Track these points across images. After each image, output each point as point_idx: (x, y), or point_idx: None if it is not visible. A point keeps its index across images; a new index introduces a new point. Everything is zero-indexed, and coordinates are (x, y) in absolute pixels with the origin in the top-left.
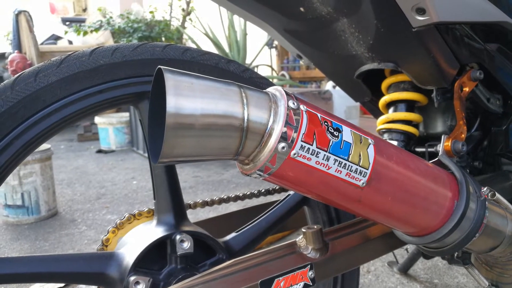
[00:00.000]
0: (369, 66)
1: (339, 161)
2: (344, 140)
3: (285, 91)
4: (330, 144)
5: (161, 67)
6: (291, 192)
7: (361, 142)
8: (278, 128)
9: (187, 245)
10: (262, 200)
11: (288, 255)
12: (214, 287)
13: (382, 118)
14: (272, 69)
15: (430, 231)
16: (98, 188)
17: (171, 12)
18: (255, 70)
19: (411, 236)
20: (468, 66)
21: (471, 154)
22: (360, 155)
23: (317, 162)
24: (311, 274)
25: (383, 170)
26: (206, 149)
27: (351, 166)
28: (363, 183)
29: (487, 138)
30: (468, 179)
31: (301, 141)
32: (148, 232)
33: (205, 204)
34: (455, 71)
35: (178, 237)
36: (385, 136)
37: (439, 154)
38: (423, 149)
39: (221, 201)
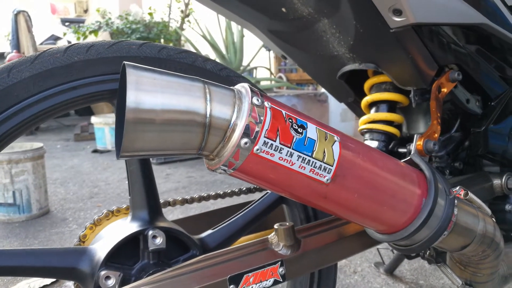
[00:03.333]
0: (350, 67)
1: (303, 157)
2: (308, 137)
3: (250, 88)
4: (294, 140)
5: (126, 62)
6: (268, 192)
7: (326, 139)
8: (241, 124)
9: (159, 240)
10: (244, 198)
11: (259, 252)
12: (182, 282)
13: (363, 118)
14: (270, 71)
15: (399, 229)
16: (92, 187)
17: (169, 13)
18: (254, 72)
19: (381, 234)
20: (447, 67)
21: (451, 155)
22: (324, 152)
23: (281, 158)
24: (282, 271)
25: (349, 167)
26: (168, 144)
27: (315, 163)
28: (327, 180)
29: (468, 139)
30: (437, 177)
31: (264, 137)
32: (122, 228)
33: (184, 201)
34: (434, 72)
35: (150, 232)
36: (367, 136)
37: (411, 153)
38: (406, 150)
39: (200, 199)
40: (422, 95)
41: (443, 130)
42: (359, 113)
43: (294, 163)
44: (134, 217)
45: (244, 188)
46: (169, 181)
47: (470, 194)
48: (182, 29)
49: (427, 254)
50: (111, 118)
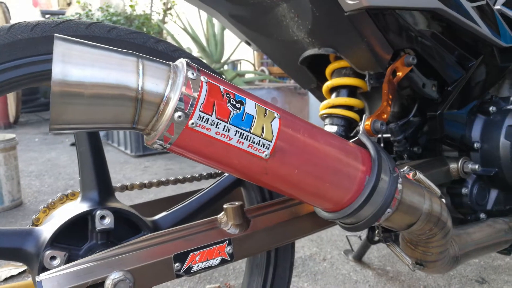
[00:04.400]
0: (310, 52)
1: (241, 132)
2: (246, 112)
3: (187, 63)
4: (231, 115)
5: (56, 35)
6: (226, 174)
7: (265, 115)
8: (175, 97)
9: (107, 221)
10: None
11: (207, 231)
12: (126, 260)
13: (323, 103)
14: (252, 64)
15: (344, 206)
16: (67, 180)
17: (151, 6)
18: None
19: (327, 212)
20: (403, 51)
21: (409, 139)
22: (263, 128)
23: (217, 133)
24: (229, 250)
25: (288, 143)
26: (98, 118)
27: (253, 138)
28: (266, 155)
29: (426, 124)
30: (382, 156)
31: (199, 111)
32: (70, 209)
33: (142, 186)
34: (389, 56)
35: (98, 213)
36: (327, 121)
37: (360, 132)
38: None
39: (159, 183)
40: (378, 78)
41: (401, 114)
42: (323, 99)
43: (232, 138)
44: (83, 198)
45: (204, 174)
46: (147, 173)
47: (419, 174)
48: (164, 22)
49: (377, 233)
50: None
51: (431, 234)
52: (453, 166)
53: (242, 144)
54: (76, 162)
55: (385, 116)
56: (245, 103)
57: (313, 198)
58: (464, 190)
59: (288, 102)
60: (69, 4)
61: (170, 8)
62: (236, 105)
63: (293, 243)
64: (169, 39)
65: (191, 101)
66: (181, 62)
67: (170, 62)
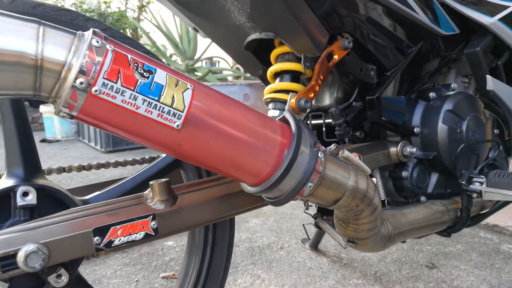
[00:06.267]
0: (252, 36)
1: (149, 101)
2: (155, 82)
3: (94, 31)
4: (138, 84)
5: None
6: (163, 155)
7: (176, 86)
8: (77, 64)
9: (30, 197)
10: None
11: (132, 206)
12: (43, 233)
13: (267, 88)
14: (227, 62)
15: (264, 179)
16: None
17: (126, 3)
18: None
19: (250, 186)
20: (341, 35)
21: (351, 123)
22: (174, 98)
23: (124, 101)
24: (154, 225)
25: (202, 114)
26: None
27: (163, 108)
28: (178, 126)
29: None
30: (303, 131)
31: (103, 78)
32: None
33: (81, 168)
34: (326, 40)
35: (20, 189)
36: (270, 105)
37: (285, 110)
38: (321, 121)
39: (99, 166)
40: (314, 62)
41: (344, 99)
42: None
43: (140, 106)
44: (8, 175)
45: (147, 157)
46: (116, 168)
47: (346, 152)
48: (140, 20)
49: (305, 208)
50: None
51: (358, 211)
52: (393, 149)
53: (151, 114)
54: (44, 158)
55: (312, 95)
56: (155, 73)
57: (233, 171)
58: (405, 174)
59: (260, 98)
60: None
61: (144, 6)
62: (144, 74)
63: (233, 222)
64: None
65: (93, 68)
66: (88, 31)
67: (76, 31)
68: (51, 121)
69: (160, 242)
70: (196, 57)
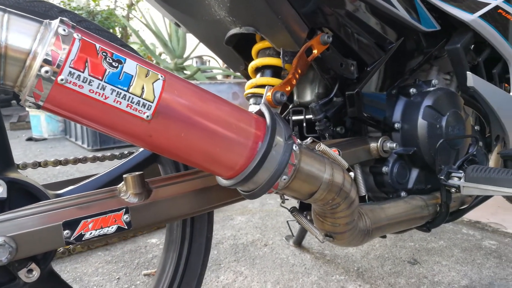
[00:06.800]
0: (233, 31)
1: (118, 91)
2: (124, 72)
3: (61, 20)
4: (106, 73)
5: None
6: (141, 149)
7: (146, 76)
8: (42, 52)
9: (0, 190)
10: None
11: (105, 199)
12: (10, 226)
13: (248, 83)
14: (216, 61)
15: (238, 172)
16: None
17: (115, 1)
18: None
19: (225, 179)
20: (321, 30)
21: (332, 119)
22: (143, 88)
23: (91, 91)
24: (127, 218)
25: (173, 105)
26: None
27: (132, 98)
28: (148, 116)
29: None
30: (278, 124)
31: (70, 67)
32: None
33: (57, 163)
34: (305, 34)
35: None
36: (251, 100)
37: (261, 103)
38: (302, 117)
39: (76, 161)
40: (293, 56)
41: (325, 95)
42: None
43: (108, 97)
44: None
45: (126, 152)
46: (102, 166)
47: (323, 146)
48: (129, 18)
49: (282, 201)
50: None
51: (335, 204)
52: (373, 145)
53: (120, 104)
54: (29, 156)
55: (288, 89)
56: (124, 63)
57: (206, 164)
58: (385, 169)
59: None
60: None
61: (134, 4)
62: (113, 63)
63: (211, 218)
64: (133, 36)
65: (59, 56)
66: (58, 20)
67: (45, 20)
68: (38, 120)
69: (143, 240)
70: (185, 56)
